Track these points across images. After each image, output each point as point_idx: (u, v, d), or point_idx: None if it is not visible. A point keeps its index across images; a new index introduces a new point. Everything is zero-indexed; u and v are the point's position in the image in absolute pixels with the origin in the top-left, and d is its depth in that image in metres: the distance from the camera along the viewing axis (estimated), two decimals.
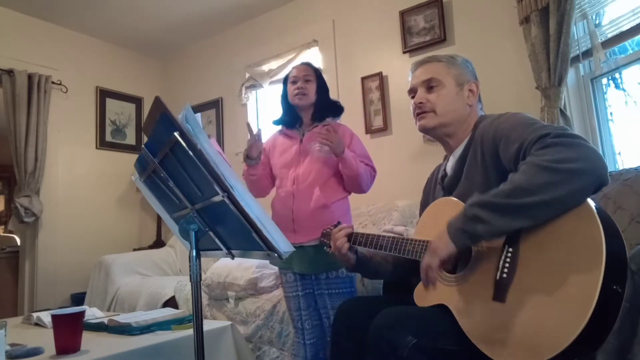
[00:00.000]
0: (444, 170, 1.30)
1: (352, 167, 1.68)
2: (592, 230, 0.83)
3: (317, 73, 1.87)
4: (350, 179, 1.71)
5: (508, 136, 1.04)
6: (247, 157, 1.79)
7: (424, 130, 1.27)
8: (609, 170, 0.92)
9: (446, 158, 1.34)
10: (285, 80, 1.88)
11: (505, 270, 0.94)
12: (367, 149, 1.83)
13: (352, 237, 1.34)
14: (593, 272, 0.80)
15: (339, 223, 1.46)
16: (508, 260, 0.95)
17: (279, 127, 1.93)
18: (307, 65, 1.88)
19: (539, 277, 0.88)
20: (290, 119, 1.86)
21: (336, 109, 1.88)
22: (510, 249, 0.95)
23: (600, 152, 2.02)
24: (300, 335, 1.76)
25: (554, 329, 0.82)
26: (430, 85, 1.25)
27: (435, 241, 1.03)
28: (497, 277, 0.95)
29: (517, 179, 0.92)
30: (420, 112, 1.26)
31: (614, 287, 0.80)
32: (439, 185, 1.31)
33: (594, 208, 0.86)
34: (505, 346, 0.88)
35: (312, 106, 1.82)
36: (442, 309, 1.06)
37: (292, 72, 1.85)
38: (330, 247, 1.40)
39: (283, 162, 1.82)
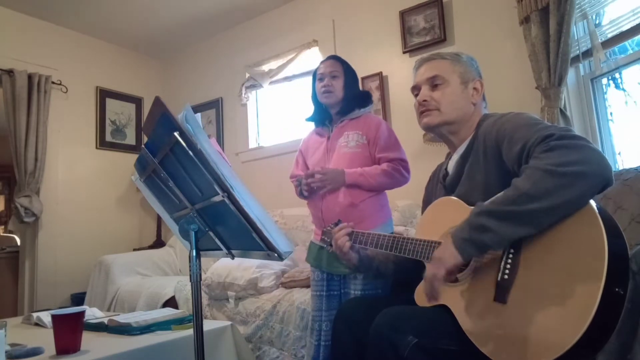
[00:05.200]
0: (445, 169, 1.29)
1: (364, 185, 1.63)
2: (595, 232, 0.83)
3: (345, 66, 1.79)
4: (371, 190, 1.65)
5: (511, 136, 1.03)
6: (302, 194, 1.72)
7: (428, 128, 1.26)
8: None
9: (448, 156, 1.32)
10: (314, 77, 1.82)
11: (507, 271, 0.94)
12: (395, 136, 1.74)
13: (352, 236, 1.33)
14: (595, 275, 0.80)
15: (339, 221, 1.44)
16: (510, 261, 0.94)
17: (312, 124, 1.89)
18: (334, 59, 1.81)
19: (540, 279, 0.88)
20: (320, 116, 1.82)
21: (363, 100, 1.78)
22: (512, 250, 0.95)
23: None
24: (316, 336, 1.68)
25: (555, 331, 0.81)
26: (434, 83, 1.23)
27: (440, 251, 1.01)
28: (499, 278, 0.95)
29: (521, 184, 0.90)
30: (424, 109, 1.24)
31: (616, 289, 0.79)
32: (440, 184, 1.30)
33: (596, 209, 0.86)
34: (506, 348, 0.88)
35: (340, 102, 1.76)
36: (443, 309, 1.06)
37: (320, 68, 1.79)
38: (331, 245, 1.39)
39: (314, 161, 1.79)
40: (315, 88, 1.79)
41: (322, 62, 1.81)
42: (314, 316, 1.72)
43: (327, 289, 1.70)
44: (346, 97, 1.75)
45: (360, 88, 2.88)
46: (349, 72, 1.78)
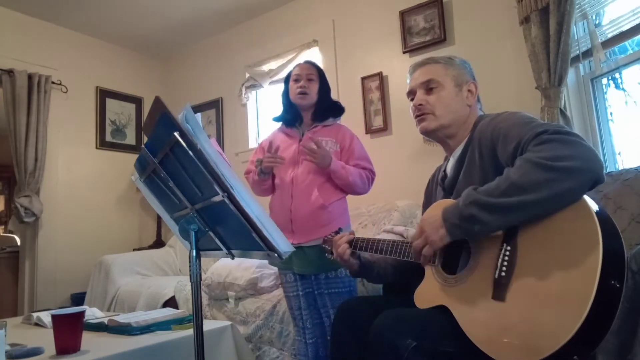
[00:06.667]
0: (444, 171, 1.30)
1: (342, 177, 1.69)
2: (589, 227, 0.84)
3: (320, 72, 1.85)
4: (343, 186, 1.74)
5: (506, 135, 1.05)
6: (262, 172, 1.76)
7: (425, 133, 1.28)
8: (609, 170, 0.92)
9: (446, 159, 1.34)
10: (287, 78, 1.86)
11: (504, 269, 0.95)
12: (366, 151, 1.83)
13: (353, 243, 1.36)
14: (590, 268, 0.80)
15: (340, 230, 1.48)
16: (506, 259, 0.95)
17: (279, 124, 1.92)
18: (311, 64, 1.86)
19: (537, 275, 0.89)
20: (291, 117, 1.85)
21: (337, 110, 1.87)
22: (509, 248, 0.96)
23: (599, 151, 2.04)
24: (302, 334, 1.76)
25: (552, 326, 0.82)
26: (429, 87, 1.25)
27: (429, 227, 1.04)
28: (496, 276, 0.95)
29: (512, 175, 0.93)
30: (419, 114, 1.26)
31: (612, 282, 0.80)
32: (440, 187, 1.31)
33: (590, 205, 0.87)
34: (505, 345, 0.89)
35: (313, 106, 1.81)
36: (442, 310, 1.06)
37: (295, 70, 1.84)
38: (332, 253, 1.42)
39: None
40: (289, 89, 1.83)
41: (297, 65, 1.86)
42: (297, 315, 1.78)
43: (302, 287, 1.75)
44: (321, 102, 1.81)
45: (360, 88, 2.93)
46: (323, 79, 1.85)
